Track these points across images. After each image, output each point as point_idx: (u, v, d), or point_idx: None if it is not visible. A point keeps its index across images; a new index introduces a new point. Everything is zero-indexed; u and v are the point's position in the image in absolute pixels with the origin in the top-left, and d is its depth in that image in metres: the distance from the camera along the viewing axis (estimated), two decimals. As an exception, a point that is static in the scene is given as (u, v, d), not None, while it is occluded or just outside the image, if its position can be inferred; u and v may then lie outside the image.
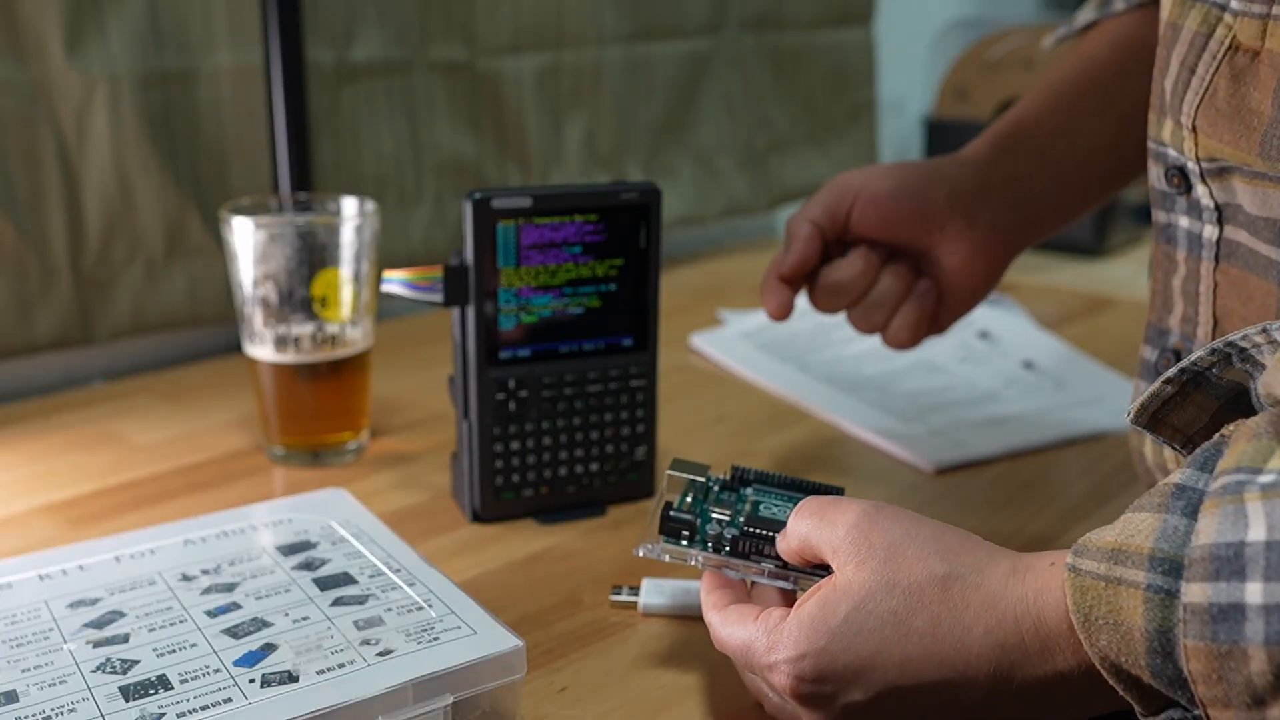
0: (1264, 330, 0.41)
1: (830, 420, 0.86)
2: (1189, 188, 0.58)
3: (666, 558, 0.54)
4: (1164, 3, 0.60)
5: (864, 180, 0.69)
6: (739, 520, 0.54)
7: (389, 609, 0.53)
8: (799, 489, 0.57)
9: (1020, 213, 0.71)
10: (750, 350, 1.00)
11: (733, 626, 0.48)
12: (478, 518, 0.69)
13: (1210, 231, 0.57)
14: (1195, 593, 0.36)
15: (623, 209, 0.67)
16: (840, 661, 0.43)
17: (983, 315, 1.05)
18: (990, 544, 0.45)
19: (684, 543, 0.53)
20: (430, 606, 0.53)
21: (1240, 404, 0.43)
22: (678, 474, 0.57)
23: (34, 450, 0.79)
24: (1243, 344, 0.41)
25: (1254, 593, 0.35)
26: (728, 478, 0.58)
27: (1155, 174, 0.61)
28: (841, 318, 0.73)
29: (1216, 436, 0.41)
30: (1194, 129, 0.55)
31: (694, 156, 1.31)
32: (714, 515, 0.55)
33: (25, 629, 0.51)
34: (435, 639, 0.50)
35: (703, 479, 0.57)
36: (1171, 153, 0.58)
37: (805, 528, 0.48)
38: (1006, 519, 0.72)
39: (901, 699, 0.43)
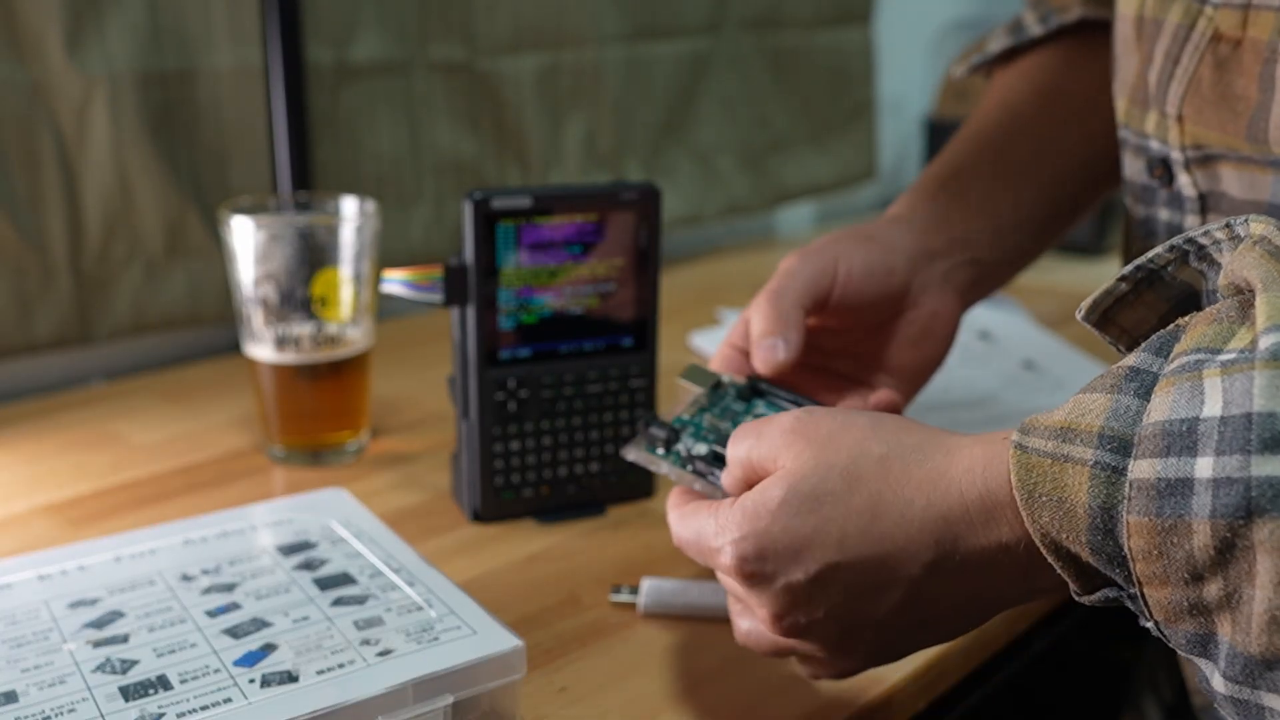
0: (1227, 225, 0.40)
1: (830, 420, 0.86)
2: (1171, 179, 0.59)
3: (651, 467, 0.55)
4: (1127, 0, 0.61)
5: (836, 259, 0.63)
6: (710, 439, 0.55)
7: (389, 609, 0.53)
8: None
9: (969, 270, 0.68)
10: (750, 350, 0.99)
11: (688, 520, 0.49)
12: (478, 518, 0.69)
13: (1192, 222, 0.59)
14: (1143, 469, 0.36)
15: (623, 209, 0.67)
16: (780, 541, 0.44)
17: (983, 315, 1.05)
18: (932, 427, 0.45)
19: (659, 451, 0.55)
20: (430, 606, 0.53)
21: (1188, 308, 0.42)
22: (687, 383, 0.58)
23: (34, 450, 0.79)
24: (1203, 240, 0.41)
25: (1204, 467, 0.34)
26: (744, 385, 0.59)
27: (1136, 168, 0.62)
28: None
29: (1171, 326, 0.40)
30: (1180, 118, 0.56)
31: (694, 156, 1.31)
32: (704, 428, 0.56)
33: (25, 629, 0.51)
34: (435, 639, 0.50)
35: (707, 389, 0.58)
36: (1154, 144, 0.59)
37: (744, 450, 0.48)
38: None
39: (840, 577, 0.44)
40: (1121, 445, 0.37)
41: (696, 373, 0.59)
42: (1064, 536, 0.38)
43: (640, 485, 0.72)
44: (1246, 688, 0.35)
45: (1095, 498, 0.37)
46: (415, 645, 0.50)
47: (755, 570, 0.45)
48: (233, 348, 0.87)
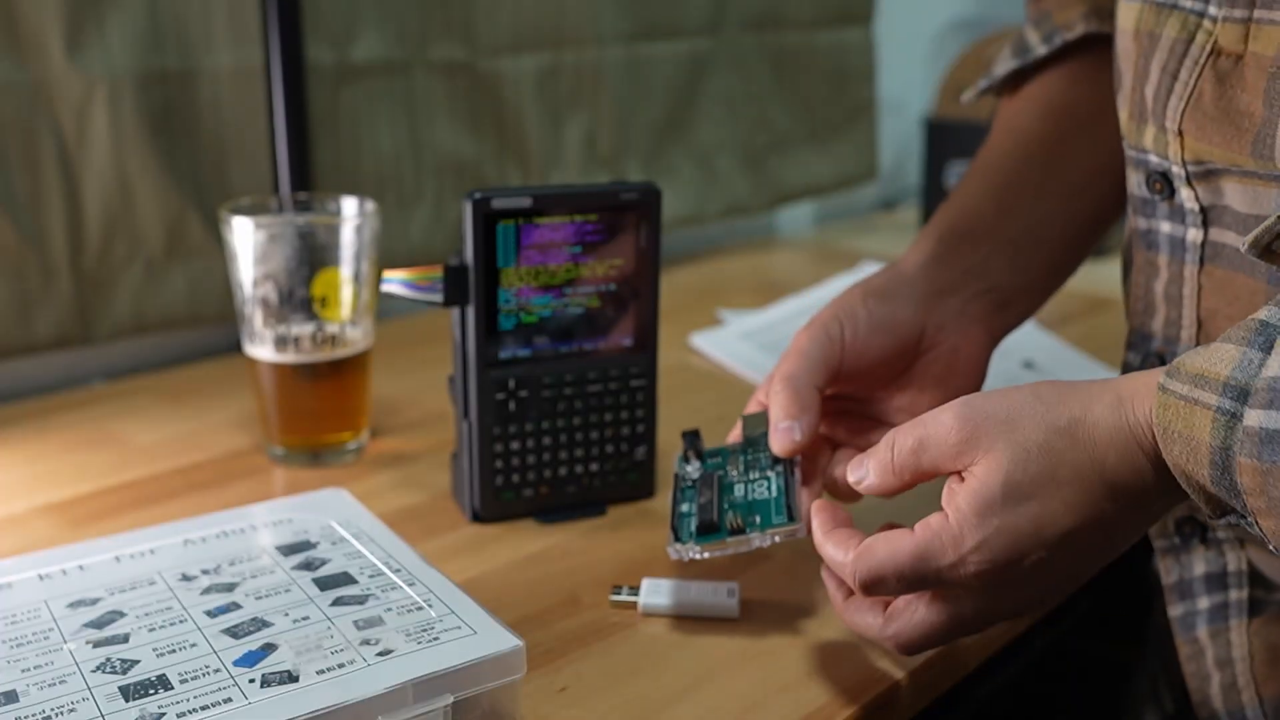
0: None
1: (830, 420, 0.86)
2: (1172, 193, 0.58)
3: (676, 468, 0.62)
4: (1125, 11, 0.60)
5: (841, 326, 0.63)
6: (721, 473, 0.61)
7: (389, 609, 0.53)
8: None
9: (988, 299, 0.67)
10: (750, 350, 1.00)
11: (889, 549, 0.50)
12: (478, 518, 0.69)
13: (1194, 235, 0.58)
14: (1253, 418, 0.42)
15: (623, 209, 0.67)
16: (1020, 528, 0.47)
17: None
18: (1075, 382, 0.49)
19: (678, 456, 0.63)
20: (430, 606, 0.53)
21: None
22: (745, 428, 0.63)
23: (34, 450, 0.79)
24: None
25: None
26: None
27: (1135, 181, 0.61)
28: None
29: None
30: (1180, 133, 0.56)
31: (694, 156, 1.31)
32: (724, 465, 0.61)
33: (25, 629, 0.51)
34: (435, 639, 0.50)
35: (757, 435, 0.62)
36: (1153, 159, 0.59)
37: (907, 455, 0.51)
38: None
39: (1071, 543, 0.47)
40: (1241, 394, 0.42)
41: (754, 419, 0.63)
42: (1191, 469, 0.44)
43: (640, 485, 0.72)
44: None
45: (1216, 439, 0.43)
46: (415, 645, 0.50)
47: (1007, 560, 0.47)
48: (233, 348, 0.87)
